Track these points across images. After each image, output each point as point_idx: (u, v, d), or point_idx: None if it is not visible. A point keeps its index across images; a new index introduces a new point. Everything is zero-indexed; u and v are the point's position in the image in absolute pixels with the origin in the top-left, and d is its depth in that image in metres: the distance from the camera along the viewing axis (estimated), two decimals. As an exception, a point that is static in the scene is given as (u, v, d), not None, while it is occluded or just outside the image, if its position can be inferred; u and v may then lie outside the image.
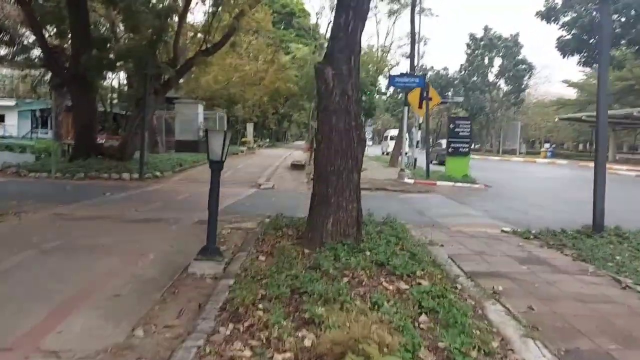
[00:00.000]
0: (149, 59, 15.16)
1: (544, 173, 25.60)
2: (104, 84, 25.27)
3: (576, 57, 31.82)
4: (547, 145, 49.99)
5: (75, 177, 14.22)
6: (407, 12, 37.54)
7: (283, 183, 15.03)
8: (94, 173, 14.42)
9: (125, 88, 28.11)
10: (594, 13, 26.48)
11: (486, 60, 51.16)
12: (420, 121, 21.69)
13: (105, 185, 13.16)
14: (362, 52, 17.93)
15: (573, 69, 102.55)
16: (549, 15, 28.54)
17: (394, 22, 45.59)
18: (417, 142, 22.43)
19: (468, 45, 52.11)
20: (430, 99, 17.85)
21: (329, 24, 43.28)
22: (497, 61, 51.04)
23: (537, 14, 29.01)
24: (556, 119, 44.56)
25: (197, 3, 16.66)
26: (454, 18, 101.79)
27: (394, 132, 54.37)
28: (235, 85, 31.39)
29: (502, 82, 52.70)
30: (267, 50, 31.08)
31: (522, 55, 50.05)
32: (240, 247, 6.38)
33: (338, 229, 5.58)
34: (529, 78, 50.95)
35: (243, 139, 41.46)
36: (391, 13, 36.80)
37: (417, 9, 33.09)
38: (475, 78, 52.04)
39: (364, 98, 17.01)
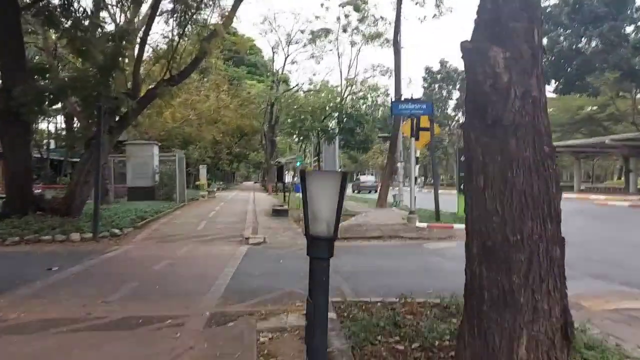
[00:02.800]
0: (101, 89, 12.23)
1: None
2: (39, 126, 21.79)
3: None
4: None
5: (6, 241, 10.82)
6: (369, 43, 36.25)
7: (275, 236, 12.22)
8: (33, 235, 11.07)
9: (64, 131, 24.71)
10: (572, 39, 25.81)
11: (444, 93, 50.74)
12: (418, 154, 19.61)
13: (49, 252, 9.89)
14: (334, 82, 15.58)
15: None
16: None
17: (357, 54, 44.28)
18: (416, 178, 20.22)
19: (424, 79, 51.64)
20: (428, 129, 15.76)
21: (286, 57, 41.43)
22: (455, 94, 50.75)
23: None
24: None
25: (159, 22, 13.94)
26: (413, 52, 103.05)
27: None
28: (192, 124, 28.43)
29: (460, 115, 52.32)
30: (224, 86, 28.45)
31: (479, 88, 49.81)
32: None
33: (538, 355, 2.88)
34: (486, 110, 50.64)
35: (197, 182, 38.32)
36: (353, 44, 35.36)
37: (381, 39, 31.68)
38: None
39: (357, 130, 14.70)
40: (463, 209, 14.87)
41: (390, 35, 34.95)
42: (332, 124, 15.46)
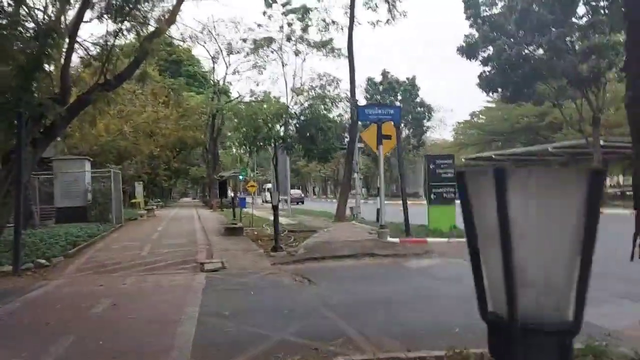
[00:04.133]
0: (22, 94, 10.28)
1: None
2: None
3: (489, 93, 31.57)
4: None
5: None
6: (314, 53, 35.28)
7: (234, 259, 10.65)
8: None
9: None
10: (520, 47, 25.90)
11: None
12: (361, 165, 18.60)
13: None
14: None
15: (464, 111, 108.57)
16: (470, 51, 27.61)
17: (302, 64, 42.89)
18: (378, 189, 19.11)
19: (366, 90, 51.32)
20: (389, 137, 14.79)
21: (227, 67, 39.72)
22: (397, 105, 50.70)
23: (458, 50, 27.99)
24: (463, 160, 44.50)
25: (92, 19, 12.07)
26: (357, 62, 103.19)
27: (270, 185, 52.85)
28: (128, 137, 26.15)
29: (402, 126, 52.43)
30: (163, 96, 26.43)
31: (420, 98, 50.27)
32: None
33: None
34: (428, 120, 51.16)
35: (133, 200, 35.76)
36: (297, 53, 34.29)
37: (327, 48, 30.80)
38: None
39: (320, 137, 13.45)
40: (434, 221, 14.00)
41: (337, 44, 34.23)
42: (290, 131, 14.11)
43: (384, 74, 50.31)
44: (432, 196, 13.57)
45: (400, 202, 14.35)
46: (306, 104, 13.79)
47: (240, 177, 45.37)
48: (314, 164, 65.72)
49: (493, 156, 39.95)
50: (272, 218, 21.18)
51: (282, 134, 13.84)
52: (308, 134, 13.41)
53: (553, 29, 24.13)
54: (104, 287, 8.07)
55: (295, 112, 13.81)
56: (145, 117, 25.01)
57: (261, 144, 14.34)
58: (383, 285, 7.76)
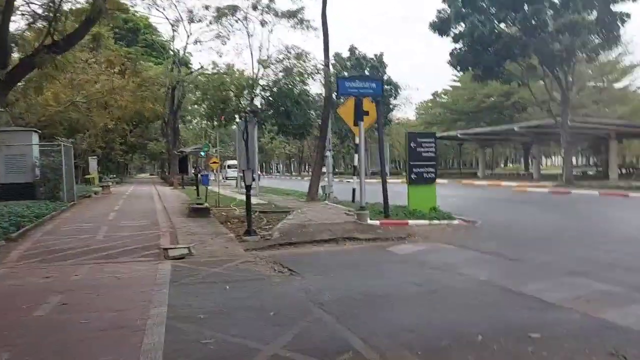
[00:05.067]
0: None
1: (468, 195, 23.20)
2: None
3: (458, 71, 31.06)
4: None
5: None
6: (282, 23, 33.78)
7: (202, 245, 9.61)
8: None
9: None
10: (492, 24, 25.30)
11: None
12: (357, 141, 17.64)
13: None
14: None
15: (430, 90, 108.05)
16: (442, 27, 26.86)
17: (268, 35, 41.01)
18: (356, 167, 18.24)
19: (333, 66, 50.05)
20: (367, 113, 13.90)
21: (188, 36, 37.75)
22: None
23: (430, 25, 27.19)
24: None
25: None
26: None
27: (231, 162, 51.27)
28: (80, 108, 24.24)
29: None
30: (119, 65, 24.53)
31: (387, 76, 49.48)
32: None
33: None
34: (394, 98, 50.54)
35: (86, 176, 33.86)
36: (264, 24, 32.77)
37: (296, 19, 29.49)
38: (342, 99, 50.16)
39: (295, 111, 12.38)
40: (414, 202, 13.29)
41: (308, 15, 32.84)
42: (262, 104, 12.99)
43: (352, 49, 49.24)
44: (413, 176, 12.81)
45: (368, 181, 13.59)
46: (280, 75, 12.64)
47: (202, 153, 43.71)
48: (278, 141, 64.36)
49: (458, 135, 39.79)
50: (239, 197, 20.26)
51: (254, 106, 12.69)
52: (283, 108, 12.31)
53: (526, 6, 23.60)
54: (51, 279, 6.93)
55: (267, 84, 12.66)
56: (100, 87, 23.14)
57: (229, 117, 13.15)
58: (374, 277, 6.92)
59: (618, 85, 43.09)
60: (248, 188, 10.63)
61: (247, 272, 7.26)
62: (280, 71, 12.97)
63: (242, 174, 11.35)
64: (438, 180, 13.89)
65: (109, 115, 26.68)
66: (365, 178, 12.47)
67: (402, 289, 6.14)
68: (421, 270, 7.30)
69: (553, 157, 76.08)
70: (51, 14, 10.90)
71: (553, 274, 6.78)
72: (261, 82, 12.96)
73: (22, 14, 11.01)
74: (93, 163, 37.03)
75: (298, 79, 12.76)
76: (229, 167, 51.82)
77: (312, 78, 13.35)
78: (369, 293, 5.91)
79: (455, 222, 12.15)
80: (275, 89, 12.58)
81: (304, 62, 13.47)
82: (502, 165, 77.84)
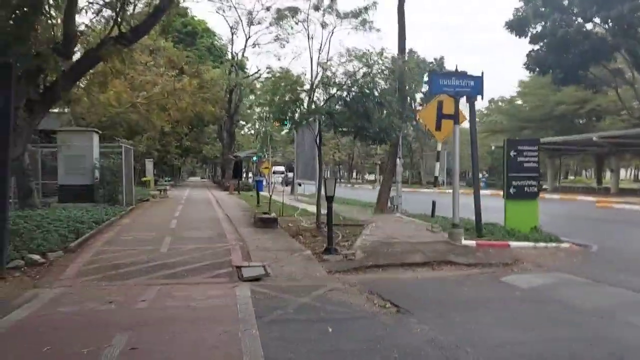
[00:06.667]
0: (14, 42, 7.95)
1: (545, 210, 21.10)
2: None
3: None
4: (480, 175, 47.34)
5: None
6: (343, 25, 32.68)
7: (277, 263, 8.36)
8: None
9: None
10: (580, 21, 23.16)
11: (413, 86, 47.82)
12: (439, 148, 16.23)
13: None
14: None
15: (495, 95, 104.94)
16: (519, 26, 24.89)
17: (329, 37, 39.84)
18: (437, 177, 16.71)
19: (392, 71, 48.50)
20: (452, 116, 12.37)
21: (247, 39, 37.22)
22: (424, 87, 47.89)
23: (506, 24, 25.27)
24: (492, 147, 41.83)
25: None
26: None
27: (277, 167, 50.29)
28: (140, 109, 23.74)
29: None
30: (182, 64, 23.94)
31: (447, 81, 47.26)
32: None
33: None
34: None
35: (143, 179, 33.68)
36: (324, 25, 31.85)
37: (359, 20, 28.41)
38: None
39: (376, 114, 11.01)
40: (512, 220, 11.62)
41: (369, 17, 31.47)
42: (339, 105, 11.70)
43: (410, 52, 47.44)
44: (512, 190, 11.15)
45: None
46: (360, 72, 11.30)
47: (254, 158, 43.03)
48: (327, 147, 63.16)
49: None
50: (297, 205, 19.08)
51: (330, 108, 11.42)
52: (363, 110, 10.97)
53: (619, 4, 21.33)
54: (115, 306, 5.81)
55: (345, 82, 11.35)
56: (160, 88, 22.56)
57: (302, 118, 11.93)
58: (513, 325, 5.38)
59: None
60: (330, 199, 9.31)
61: (344, 306, 5.91)
62: (360, 68, 11.61)
63: (323, 183, 10.04)
64: (498, 192, 12.13)
65: (168, 117, 26.17)
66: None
67: (571, 351, 4.57)
68: (570, 315, 5.71)
69: (625, 171, 71.32)
70: (118, 2, 10.00)
71: None
72: (337, 79, 11.64)
73: (89, 2, 10.13)
74: (149, 166, 36.94)
75: (379, 77, 11.38)
76: (274, 172, 51.02)
77: (393, 76, 11.91)
78: (525, 355, 4.42)
79: (565, 245, 10.41)
80: (354, 88, 11.24)
81: (383, 58, 12.06)
82: (570, 177, 73.58)
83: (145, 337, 4.77)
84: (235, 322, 5.23)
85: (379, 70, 11.52)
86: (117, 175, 18.02)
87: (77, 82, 10.27)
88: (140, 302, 5.97)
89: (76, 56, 10.21)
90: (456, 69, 10.54)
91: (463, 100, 11.40)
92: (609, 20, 21.46)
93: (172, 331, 4.92)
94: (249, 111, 42.73)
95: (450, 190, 12.14)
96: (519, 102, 49.41)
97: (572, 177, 72.19)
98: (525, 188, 11.19)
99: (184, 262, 8.36)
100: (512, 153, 11.18)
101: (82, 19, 22.33)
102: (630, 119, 32.53)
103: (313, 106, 11.52)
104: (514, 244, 10.24)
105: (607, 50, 22.09)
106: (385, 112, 11.18)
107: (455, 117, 10.77)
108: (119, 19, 9.79)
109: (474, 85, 10.36)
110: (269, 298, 6.23)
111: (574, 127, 39.91)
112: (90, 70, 10.76)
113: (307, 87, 12.06)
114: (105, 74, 10.28)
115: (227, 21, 54.73)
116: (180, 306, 5.84)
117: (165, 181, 44.42)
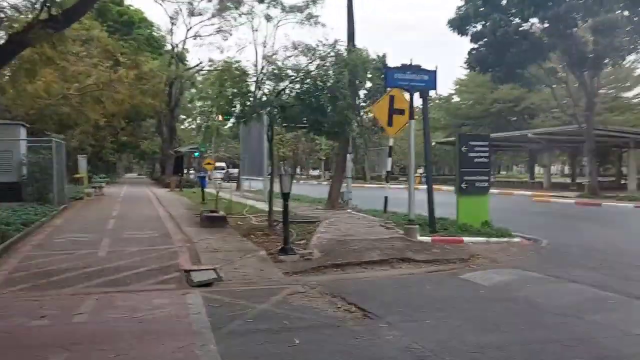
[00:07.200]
0: None
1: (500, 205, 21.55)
2: None
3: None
4: (420, 170, 48.11)
5: None
6: (288, 19, 32.07)
7: (230, 265, 7.82)
8: None
9: None
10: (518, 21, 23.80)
11: (365, 80, 47.91)
12: (391, 143, 15.98)
13: None
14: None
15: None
16: (461, 25, 25.31)
17: (274, 30, 38.85)
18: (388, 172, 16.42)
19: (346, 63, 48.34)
20: (403, 112, 12.27)
21: (187, 30, 35.86)
22: (367, 83, 48.10)
23: (448, 23, 25.62)
24: (434, 143, 42.70)
25: None
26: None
27: (218, 163, 49.16)
28: (72, 102, 22.21)
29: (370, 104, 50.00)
30: (118, 54, 22.61)
31: (389, 78, 47.69)
32: None
33: None
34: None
35: (76, 175, 31.74)
36: (269, 19, 31.15)
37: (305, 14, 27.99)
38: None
39: (329, 108, 10.64)
40: (464, 215, 11.59)
41: (314, 11, 31.05)
42: (290, 97, 11.22)
43: (349, 50, 47.52)
44: (464, 185, 11.11)
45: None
46: (314, 65, 10.90)
47: (196, 154, 41.67)
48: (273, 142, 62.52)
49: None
50: (244, 202, 18.45)
51: (282, 101, 10.93)
52: (319, 103, 10.56)
53: (555, 5, 22.07)
54: (49, 320, 5.11)
55: (298, 75, 10.90)
56: (94, 79, 21.16)
57: (252, 112, 11.38)
58: (486, 327, 5.13)
59: (628, 94, 42.03)
60: (285, 197, 8.86)
61: (308, 313, 5.49)
62: (312, 60, 11.21)
63: (278, 179, 9.56)
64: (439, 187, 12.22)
65: (103, 110, 24.66)
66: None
67: (553, 354, 4.35)
68: (539, 315, 5.52)
69: (554, 166, 75.01)
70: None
71: None
72: (289, 72, 11.17)
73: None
74: (83, 162, 34.90)
75: (331, 70, 11.01)
76: (214, 169, 49.65)
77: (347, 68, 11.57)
78: None
79: (516, 240, 10.48)
80: (308, 81, 10.82)
81: (335, 50, 11.73)
82: (502, 172, 76.50)
83: (84, 357, 4.14)
84: (189, 335, 4.69)
85: (332, 63, 11.15)
86: (47, 172, 16.68)
87: (1, 70, 9.21)
88: (78, 315, 5.30)
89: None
90: (411, 63, 10.33)
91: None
92: (546, 21, 22.17)
93: (116, 349, 4.31)
94: (190, 105, 41.37)
95: (393, 186, 12.01)
96: (457, 99, 50.70)
97: (504, 172, 75.11)
98: (477, 183, 11.19)
99: (125, 267, 7.64)
100: (463, 149, 11.14)
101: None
102: (562, 116, 34.00)
103: (264, 99, 10.98)
104: (467, 239, 10.19)
105: (544, 50, 22.80)
106: (339, 105, 10.78)
107: (410, 112, 10.55)
108: (48, 1, 8.87)
109: (428, 80, 10.23)
110: (225, 305, 5.72)
111: (508, 124, 41.37)
112: (16, 57, 9.71)
113: (254, 79, 11.53)
114: (34, 62, 9.28)
115: (166, 11, 52.68)
116: (124, 318, 5.21)
117: (101, 178, 42.28)
